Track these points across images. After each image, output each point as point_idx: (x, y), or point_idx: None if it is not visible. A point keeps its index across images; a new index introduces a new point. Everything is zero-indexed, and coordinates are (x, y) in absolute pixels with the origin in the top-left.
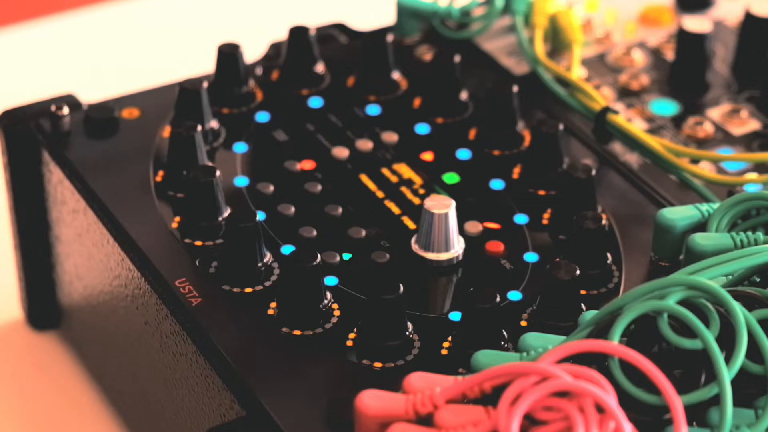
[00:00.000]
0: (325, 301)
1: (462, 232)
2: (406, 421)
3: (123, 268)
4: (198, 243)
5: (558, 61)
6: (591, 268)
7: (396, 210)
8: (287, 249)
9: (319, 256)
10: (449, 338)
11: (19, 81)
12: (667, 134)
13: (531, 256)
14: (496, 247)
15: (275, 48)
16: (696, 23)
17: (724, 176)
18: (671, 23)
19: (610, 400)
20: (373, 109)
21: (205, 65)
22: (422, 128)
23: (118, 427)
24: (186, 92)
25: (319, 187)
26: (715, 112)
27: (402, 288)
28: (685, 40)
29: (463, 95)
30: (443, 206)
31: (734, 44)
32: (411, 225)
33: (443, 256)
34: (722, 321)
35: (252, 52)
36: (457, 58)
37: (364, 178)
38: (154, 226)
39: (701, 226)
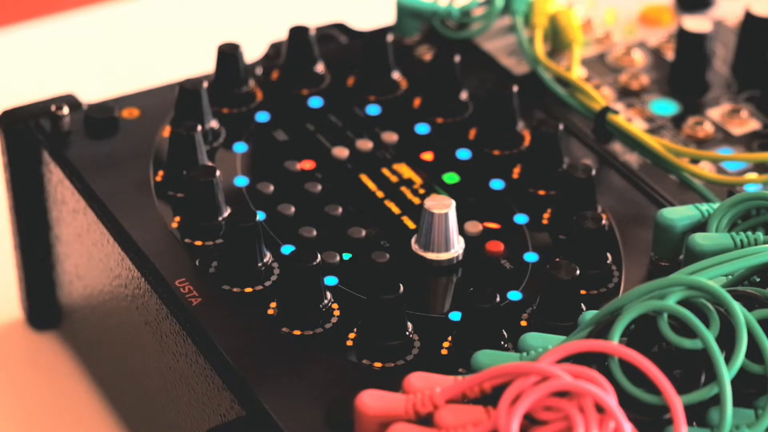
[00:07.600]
0: (325, 301)
1: (462, 232)
2: (406, 421)
3: (123, 268)
4: (198, 243)
5: (558, 61)
6: (591, 268)
7: (396, 210)
8: (287, 249)
9: (319, 256)
10: (449, 338)
11: (19, 81)
12: (667, 134)
13: (531, 256)
14: (496, 247)
15: (275, 48)
16: (696, 23)
17: (724, 176)
18: (671, 23)
19: (610, 400)
20: (373, 109)
21: (205, 65)
22: (422, 128)
23: (118, 427)
24: (186, 92)
25: (319, 187)
26: (715, 112)
27: (402, 288)
28: (685, 40)
29: (463, 95)
30: (443, 206)
31: (734, 44)
32: (411, 225)
33: (443, 256)
34: (722, 321)
35: (252, 52)
36: (457, 58)
37: (364, 178)
38: (154, 226)
39: (701, 226)
